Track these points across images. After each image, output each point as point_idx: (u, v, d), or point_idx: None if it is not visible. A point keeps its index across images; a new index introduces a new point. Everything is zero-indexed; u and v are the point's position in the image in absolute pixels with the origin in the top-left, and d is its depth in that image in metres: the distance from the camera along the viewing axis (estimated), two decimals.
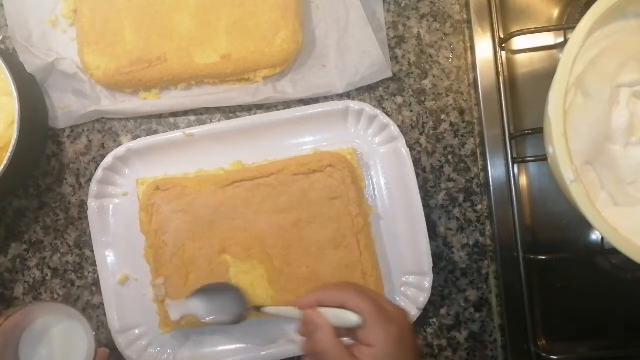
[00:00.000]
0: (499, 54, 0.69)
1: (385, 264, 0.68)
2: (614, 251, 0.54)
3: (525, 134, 0.68)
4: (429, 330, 0.71)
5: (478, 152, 0.72)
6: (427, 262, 0.66)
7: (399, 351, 0.48)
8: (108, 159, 0.68)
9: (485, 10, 0.70)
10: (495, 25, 0.69)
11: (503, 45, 0.69)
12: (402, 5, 0.73)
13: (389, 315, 0.50)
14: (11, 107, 0.63)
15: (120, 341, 0.67)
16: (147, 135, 0.72)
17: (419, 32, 0.73)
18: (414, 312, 0.67)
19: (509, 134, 0.68)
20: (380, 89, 0.72)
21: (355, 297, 0.51)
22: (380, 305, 0.51)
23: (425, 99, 0.72)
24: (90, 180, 0.69)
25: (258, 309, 0.61)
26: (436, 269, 0.69)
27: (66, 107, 0.71)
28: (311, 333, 0.50)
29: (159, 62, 0.68)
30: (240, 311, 0.62)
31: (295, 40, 0.68)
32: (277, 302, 0.65)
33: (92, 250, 0.69)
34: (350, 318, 0.50)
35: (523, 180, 0.72)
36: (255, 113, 0.72)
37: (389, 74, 0.70)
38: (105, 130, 0.73)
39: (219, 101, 0.70)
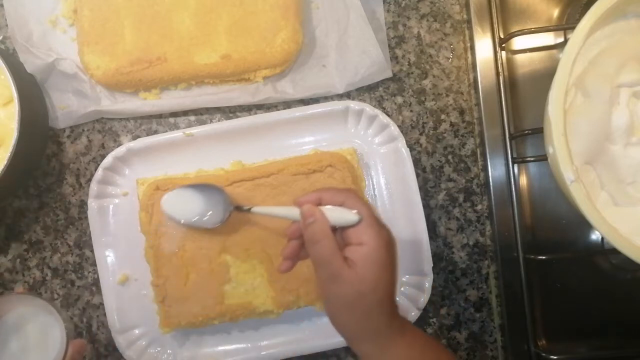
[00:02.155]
0: (499, 54, 0.69)
1: None
2: (614, 251, 0.54)
3: (525, 134, 0.68)
4: (429, 330, 0.71)
5: (478, 152, 0.72)
6: (427, 262, 0.66)
7: (387, 254, 0.49)
8: (108, 159, 0.68)
9: (485, 10, 0.70)
10: (495, 25, 0.69)
11: (503, 45, 0.69)
12: (402, 5, 0.73)
13: (380, 224, 0.51)
14: (11, 107, 0.63)
15: (120, 341, 0.67)
16: (147, 135, 0.72)
17: (419, 32, 0.73)
18: (414, 312, 0.67)
19: (509, 134, 0.68)
20: (380, 89, 0.72)
21: (354, 198, 0.51)
22: (375, 213, 0.52)
23: (425, 99, 0.72)
24: (90, 180, 0.69)
25: (246, 209, 0.61)
26: (436, 269, 0.69)
27: (66, 107, 0.71)
28: (307, 226, 0.51)
29: (159, 62, 0.68)
30: (222, 212, 0.62)
31: (295, 40, 0.68)
32: (277, 302, 0.65)
33: (92, 250, 0.69)
34: (348, 215, 0.50)
35: (523, 180, 0.72)
36: (255, 113, 0.72)
37: (389, 74, 0.70)
38: (105, 130, 0.73)
39: (219, 101, 0.70)
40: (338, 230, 0.51)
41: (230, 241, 0.65)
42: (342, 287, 0.48)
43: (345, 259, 0.48)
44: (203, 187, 0.64)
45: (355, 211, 0.50)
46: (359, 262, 0.48)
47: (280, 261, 0.55)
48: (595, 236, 0.71)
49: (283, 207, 0.56)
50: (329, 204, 0.51)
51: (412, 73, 0.73)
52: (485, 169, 0.71)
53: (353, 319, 0.49)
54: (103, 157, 0.69)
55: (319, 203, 0.52)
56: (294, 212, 0.53)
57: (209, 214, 0.63)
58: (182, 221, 0.63)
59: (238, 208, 0.62)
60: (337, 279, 0.48)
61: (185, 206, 0.63)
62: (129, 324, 0.68)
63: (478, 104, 0.71)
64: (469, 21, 0.72)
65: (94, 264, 0.70)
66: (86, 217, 0.69)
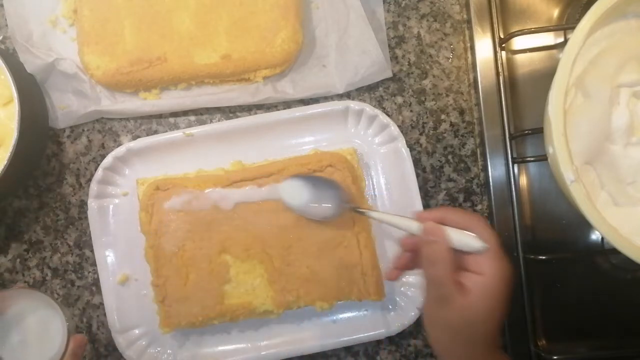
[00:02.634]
0: (499, 54, 0.69)
1: (385, 264, 0.68)
2: (614, 251, 0.54)
3: (525, 134, 0.68)
4: None
5: (478, 152, 0.72)
6: None
7: (505, 289, 0.47)
8: (108, 159, 0.68)
9: (485, 10, 0.70)
10: (495, 25, 0.69)
11: (503, 45, 0.69)
12: (402, 5, 0.73)
13: (504, 256, 0.49)
14: (11, 107, 0.63)
15: (120, 341, 0.67)
16: (147, 135, 0.72)
17: (419, 32, 0.73)
18: (413, 312, 0.67)
19: (509, 134, 0.68)
20: (380, 89, 0.72)
21: (482, 225, 0.49)
22: (500, 245, 0.50)
23: (425, 99, 0.72)
24: (90, 180, 0.69)
25: (362, 211, 0.60)
26: None
27: (66, 107, 0.71)
28: (427, 244, 0.49)
29: (159, 62, 0.68)
30: (336, 207, 0.62)
31: (295, 40, 0.68)
32: (277, 302, 0.65)
33: (92, 250, 0.69)
34: (474, 242, 0.48)
35: (523, 180, 0.72)
36: (255, 113, 0.72)
37: (389, 74, 0.70)
38: (105, 130, 0.73)
39: (219, 101, 0.70)
40: (458, 253, 0.49)
41: (230, 241, 0.65)
42: (451, 312, 0.47)
43: (460, 284, 0.47)
44: (322, 180, 0.64)
45: (480, 239, 0.48)
46: (474, 292, 0.47)
47: (390, 269, 0.55)
48: (595, 236, 0.71)
49: (402, 217, 0.54)
50: (454, 226, 0.50)
51: (412, 73, 0.73)
52: (485, 169, 0.71)
53: (455, 346, 0.48)
54: (103, 157, 0.69)
55: (442, 221, 0.50)
56: (413, 224, 0.52)
57: (323, 205, 0.63)
58: (296, 206, 0.64)
59: (354, 208, 0.61)
60: (448, 303, 0.47)
61: (301, 194, 0.63)
62: (129, 324, 0.68)
63: (478, 104, 0.71)
64: (469, 21, 0.72)
65: (94, 264, 0.70)
66: (86, 217, 0.69)
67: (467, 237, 0.49)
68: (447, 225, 0.50)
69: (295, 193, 0.63)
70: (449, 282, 0.47)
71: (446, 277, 0.47)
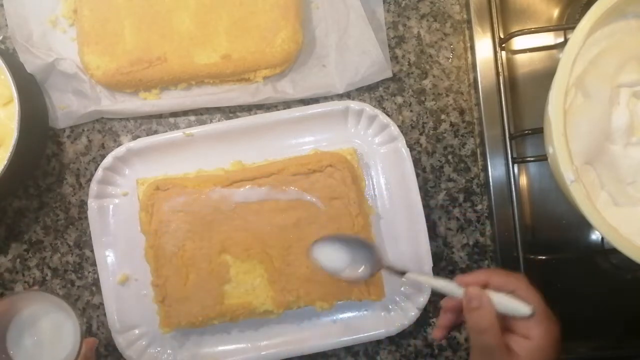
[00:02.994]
0: (499, 54, 0.69)
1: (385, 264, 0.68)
2: (614, 251, 0.54)
3: (525, 134, 0.68)
4: (429, 330, 0.71)
5: (478, 152, 0.72)
6: (427, 262, 0.66)
7: (554, 353, 0.48)
8: (108, 159, 0.68)
9: (485, 10, 0.70)
10: (495, 25, 0.69)
11: (503, 45, 0.69)
12: (402, 5, 0.73)
13: (553, 319, 0.49)
14: (11, 107, 0.63)
15: (120, 341, 0.67)
16: (147, 135, 0.72)
17: (419, 32, 0.73)
18: (413, 312, 0.67)
19: (509, 134, 0.68)
20: (380, 89, 0.72)
21: (527, 288, 0.49)
22: (546, 306, 0.50)
23: (425, 99, 0.72)
24: (90, 180, 0.69)
25: (400, 273, 0.56)
26: (436, 269, 0.69)
27: (66, 107, 0.71)
28: (472, 310, 0.48)
29: (159, 62, 0.68)
30: (371, 268, 0.59)
31: (295, 40, 0.68)
32: (277, 302, 0.65)
33: (92, 250, 0.69)
34: (520, 308, 0.47)
35: (523, 180, 0.72)
36: (255, 113, 0.72)
37: (389, 74, 0.70)
38: (105, 130, 0.73)
39: (219, 101, 0.70)
40: (501, 315, 0.48)
41: (230, 241, 0.65)
42: None
43: (508, 348, 0.47)
44: (355, 239, 0.62)
45: (526, 304, 0.47)
46: (524, 357, 0.46)
47: (436, 328, 0.54)
48: (595, 236, 0.71)
49: (442, 279, 0.52)
50: (497, 288, 0.49)
51: (412, 73, 0.73)
52: (485, 169, 0.71)
53: None
54: (103, 157, 0.69)
55: (486, 285, 0.50)
56: (453, 288, 0.50)
57: (357, 269, 0.60)
58: (332, 270, 0.60)
59: (390, 268, 0.58)
60: None
61: (334, 256, 0.61)
62: (129, 324, 0.68)
63: (478, 104, 0.71)
64: (469, 21, 0.72)
65: (94, 264, 0.70)
66: (86, 217, 0.69)
67: (513, 302, 0.48)
68: (490, 287, 0.49)
69: (331, 256, 0.60)
70: (500, 351, 0.47)
71: (495, 344, 0.47)
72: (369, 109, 0.68)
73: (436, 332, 0.54)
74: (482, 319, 0.47)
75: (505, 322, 0.49)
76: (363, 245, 0.60)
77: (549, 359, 0.47)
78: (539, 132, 0.60)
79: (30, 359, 0.58)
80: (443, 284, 0.52)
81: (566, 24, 0.72)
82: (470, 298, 0.48)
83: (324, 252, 0.61)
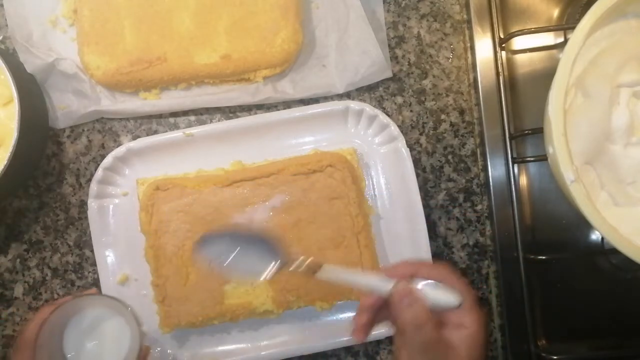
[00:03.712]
0: (499, 54, 0.69)
1: (385, 264, 0.68)
2: (614, 251, 0.54)
3: (525, 134, 0.68)
4: None
5: (478, 152, 0.72)
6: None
7: (486, 337, 0.48)
8: (108, 159, 0.68)
9: (485, 10, 0.70)
10: (495, 25, 0.69)
11: (503, 45, 0.69)
12: (402, 5, 0.73)
13: (478, 305, 0.48)
14: (11, 107, 0.63)
15: None
16: (147, 135, 0.72)
17: (419, 32, 0.73)
18: None
19: (509, 134, 0.68)
20: (380, 89, 0.72)
21: (454, 276, 0.48)
22: (474, 293, 0.49)
23: (425, 99, 0.72)
24: (90, 180, 0.69)
25: (312, 267, 0.49)
26: None
27: (66, 107, 0.71)
28: (405, 307, 0.46)
29: (159, 62, 0.68)
30: (266, 265, 0.51)
31: (295, 40, 0.68)
32: (277, 302, 0.65)
33: (92, 250, 0.69)
34: (449, 298, 0.46)
35: (523, 180, 0.72)
36: (255, 113, 0.72)
37: (389, 74, 0.70)
38: (105, 130, 0.73)
39: (219, 101, 0.70)
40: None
41: None
42: None
43: (444, 339, 0.47)
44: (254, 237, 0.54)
45: (455, 293, 0.47)
46: (462, 347, 0.46)
47: (354, 331, 0.50)
48: (595, 236, 0.71)
49: (363, 274, 0.49)
50: (426, 278, 0.48)
51: (412, 73, 0.73)
52: (485, 169, 0.71)
53: None
54: (103, 157, 0.69)
55: (413, 276, 0.48)
56: (378, 283, 0.48)
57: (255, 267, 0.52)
58: (223, 266, 0.53)
59: (302, 267, 0.50)
60: None
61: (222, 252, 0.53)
62: None
63: (478, 104, 0.71)
64: (469, 21, 0.72)
65: (94, 264, 0.70)
66: (86, 217, 0.69)
67: (441, 292, 0.47)
68: (420, 278, 0.48)
69: (216, 252, 0.52)
70: (440, 345, 0.46)
71: (433, 338, 0.46)
72: (369, 109, 0.68)
73: (357, 334, 0.50)
74: (417, 315, 0.46)
75: (437, 314, 0.48)
76: (257, 240, 0.53)
77: (482, 344, 0.47)
78: (539, 132, 0.60)
79: None
80: (368, 281, 0.49)
81: (566, 24, 0.72)
82: (401, 295, 0.47)
83: (210, 249, 0.53)
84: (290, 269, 0.51)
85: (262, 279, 0.51)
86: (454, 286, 0.48)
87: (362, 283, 0.49)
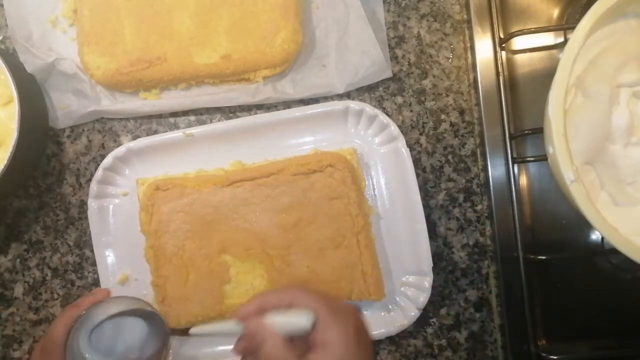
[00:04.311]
0: (499, 54, 0.69)
1: (385, 264, 0.68)
2: (614, 251, 0.54)
3: (525, 134, 0.68)
4: (429, 330, 0.71)
5: (478, 152, 0.72)
6: (427, 262, 0.66)
7: (357, 350, 0.45)
8: (108, 159, 0.68)
9: (485, 10, 0.70)
10: (495, 25, 0.69)
11: (503, 45, 0.69)
12: (402, 5, 0.73)
13: (341, 312, 0.46)
14: (11, 107, 0.63)
15: None
16: (147, 135, 0.72)
17: (419, 32, 0.73)
18: (413, 312, 0.67)
19: (509, 134, 0.68)
20: (380, 89, 0.72)
21: (303, 295, 0.47)
22: (330, 303, 0.47)
23: (425, 99, 0.72)
24: (90, 180, 0.69)
25: (183, 331, 0.53)
26: (436, 269, 0.69)
27: (66, 107, 0.71)
28: (257, 347, 0.46)
29: (159, 62, 0.68)
30: (158, 341, 0.55)
31: (295, 40, 0.68)
32: None
33: (92, 250, 0.69)
34: (300, 320, 0.45)
35: (523, 180, 0.72)
36: (255, 113, 0.72)
37: (389, 74, 0.70)
38: (105, 130, 0.73)
39: (219, 101, 0.70)
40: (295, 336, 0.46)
41: (230, 241, 0.65)
42: None
43: None
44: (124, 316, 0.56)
45: (307, 316, 0.45)
46: None
47: None
48: (595, 236, 0.71)
49: (223, 323, 0.49)
50: (275, 308, 0.46)
51: (412, 73, 0.73)
52: (485, 169, 0.71)
53: None
54: (103, 157, 0.69)
55: (263, 310, 0.47)
56: (234, 327, 0.48)
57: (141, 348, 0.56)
58: None
59: (174, 332, 0.54)
60: None
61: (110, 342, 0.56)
62: None
63: (478, 104, 0.71)
64: (469, 21, 0.72)
65: (94, 264, 0.70)
66: (86, 217, 0.69)
67: (292, 317, 0.46)
68: (270, 309, 0.47)
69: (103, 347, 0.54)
70: None
71: None
72: (369, 109, 0.68)
73: None
74: (273, 350, 0.45)
75: (306, 339, 0.46)
76: (137, 317, 0.56)
77: (355, 350, 0.45)
78: (539, 132, 0.60)
79: None
80: (225, 327, 0.49)
81: (566, 24, 0.72)
82: (251, 334, 0.46)
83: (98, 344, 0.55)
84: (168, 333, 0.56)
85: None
86: (306, 306, 0.46)
87: (223, 330, 0.50)
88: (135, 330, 0.57)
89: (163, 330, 0.56)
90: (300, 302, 0.46)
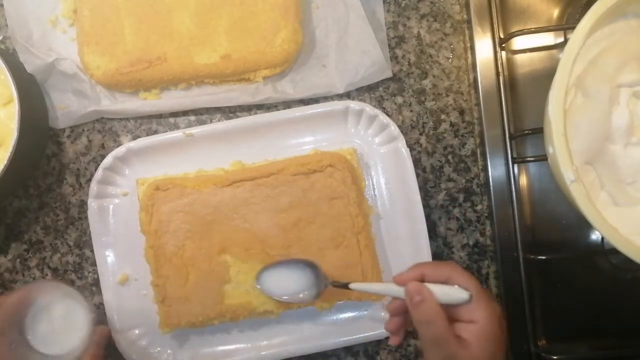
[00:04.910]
0: (499, 54, 0.69)
1: (385, 264, 0.68)
2: (614, 251, 0.54)
3: (525, 134, 0.68)
4: None
5: (478, 152, 0.72)
6: None
7: (500, 330, 0.48)
8: (108, 159, 0.68)
9: (485, 10, 0.70)
10: (495, 25, 0.69)
11: (503, 45, 0.69)
12: (402, 5, 0.73)
13: (488, 295, 0.49)
14: (11, 107, 0.63)
15: (120, 341, 0.67)
16: (147, 135, 0.72)
17: (419, 32, 0.73)
18: None
19: (509, 134, 0.68)
20: (380, 89, 0.72)
21: (462, 273, 0.49)
22: (481, 286, 0.50)
23: (425, 99, 0.72)
24: (90, 180, 0.69)
25: (344, 285, 0.58)
26: None
27: (66, 107, 0.71)
28: (416, 305, 0.48)
29: (159, 62, 0.68)
30: (316, 288, 0.61)
31: (295, 40, 0.68)
32: (277, 303, 0.64)
33: (92, 250, 0.69)
34: (458, 293, 0.48)
35: (523, 180, 0.72)
36: (255, 113, 0.72)
37: (389, 74, 0.70)
38: (105, 130, 0.73)
39: (219, 101, 0.70)
40: (444, 306, 0.49)
41: (230, 241, 0.65)
42: None
43: (458, 337, 0.47)
44: (299, 263, 0.63)
45: (464, 289, 0.48)
46: (473, 342, 0.47)
47: (391, 337, 0.54)
48: (595, 236, 0.71)
49: (383, 284, 0.54)
50: (433, 281, 0.50)
51: (412, 73, 0.73)
52: (485, 169, 0.71)
53: None
54: (103, 157, 0.69)
55: (422, 279, 0.50)
56: (394, 288, 0.51)
57: (303, 292, 0.62)
58: (279, 297, 0.63)
59: (335, 283, 0.60)
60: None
61: (281, 283, 0.63)
62: (129, 324, 0.68)
63: (478, 104, 0.71)
64: (469, 21, 0.72)
65: (94, 264, 0.70)
66: (86, 217, 0.69)
67: (449, 290, 0.49)
68: (428, 281, 0.50)
69: (274, 284, 0.63)
70: (450, 340, 0.47)
71: (446, 335, 0.47)
72: (369, 109, 0.68)
73: (393, 339, 0.54)
74: (427, 311, 0.48)
75: (450, 312, 0.49)
76: (306, 266, 0.62)
77: (496, 338, 0.47)
78: (539, 132, 0.60)
79: (46, 345, 0.59)
80: (384, 287, 0.54)
81: (566, 24, 0.72)
82: (412, 294, 0.49)
83: (268, 281, 0.63)
84: (327, 286, 0.61)
85: (311, 299, 0.62)
86: (463, 282, 0.49)
87: (381, 290, 0.55)
88: (65, 311, 0.60)
89: (88, 310, 0.59)
90: (456, 279, 0.49)
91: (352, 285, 0.57)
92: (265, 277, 0.63)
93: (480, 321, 0.48)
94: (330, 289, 0.61)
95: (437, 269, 0.51)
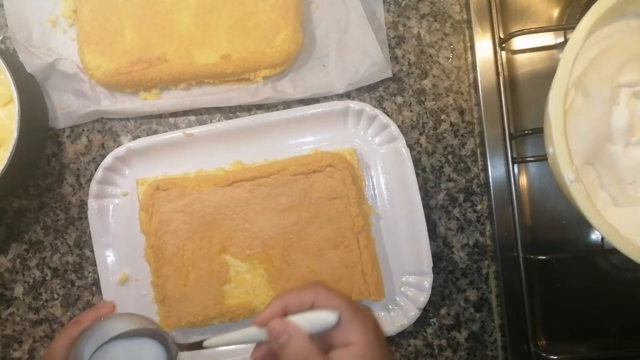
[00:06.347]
0: (499, 54, 0.69)
1: (385, 264, 0.68)
2: (614, 251, 0.54)
3: (525, 134, 0.68)
4: (429, 330, 0.71)
5: (478, 152, 0.72)
6: (427, 262, 0.66)
7: (378, 347, 0.44)
8: (108, 159, 0.68)
9: (485, 10, 0.70)
10: (495, 25, 0.69)
11: (503, 45, 0.69)
12: (402, 5, 0.73)
13: (360, 311, 0.46)
14: (11, 107, 0.63)
15: None
16: (147, 135, 0.72)
17: (419, 32, 0.73)
18: (414, 312, 0.67)
19: (509, 134, 0.68)
20: (380, 89, 0.72)
21: (325, 293, 0.45)
22: (350, 302, 0.46)
23: (425, 99, 0.72)
24: (90, 180, 0.69)
25: (196, 346, 0.51)
26: (436, 269, 0.69)
27: (66, 107, 0.71)
28: (282, 347, 0.44)
29: (159, 62, 0.68)
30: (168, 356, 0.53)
31: (295, 40, 0.68)
32: None
33: (92, 250, 0.69)
34: (325, 318, 0.44)
35: (523, 180, 0.72)
36: (255, 113, 0.72)
37: (389, 74, 0.70)
38: (105, 130, 0.73)
39: (219, 101, 0.70)
40: (316, 336, 0.45)
41: (230, 241, 0.65)
42: None
43: None
44: (140, 338, 0.54)
45: (333, 314, 0.44)
46: None
47: None
48: (595, 236, 0.71)
49: (240, 331, 0.48)
50: (298, 310, 0.45)
51: (412, 73, 0.73)
52: (485, 169, 0.71)
53: None
54: (103, 157, 0.69)
55: (285, 313, 0.46)
56: (254, 333, 0.47)
57: None
58: None
59: (182, 346, 0.53)
60: None
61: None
62: None
63: (478, 104, 0.71)
64: (469, 21, 0.72)
65: (94, 264, 0.70)
66: (86, 217, 0.69)
67: (317, 316, 0.45)
68: (292, 312, 0.46)
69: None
70: None
71: None
72: (369, 109, 0.68)
73: None
74: (297, 350, 0.44)
75: (324, 340, 0.45)
76: (150, 338, 0.54)
77: (376, 351, 0.44)
78: (539, 132, 0.60)
79: None
80: (242, 335, 0.48)
81: (566, 24, 0.72)
82: (276, 334, 0.45)
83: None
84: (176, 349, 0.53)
85: None
86: (328, 303, 0.45)
87: (242, 338, 0.48)
88: (148, 352, 0.54)
89: (172, 349, 0.53)
90: (322, 302, 0.46)
91: (206, 343, 0.50)
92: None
93: (356, 343, 0.44)
94: None
95: (300, 296, 0.46)
